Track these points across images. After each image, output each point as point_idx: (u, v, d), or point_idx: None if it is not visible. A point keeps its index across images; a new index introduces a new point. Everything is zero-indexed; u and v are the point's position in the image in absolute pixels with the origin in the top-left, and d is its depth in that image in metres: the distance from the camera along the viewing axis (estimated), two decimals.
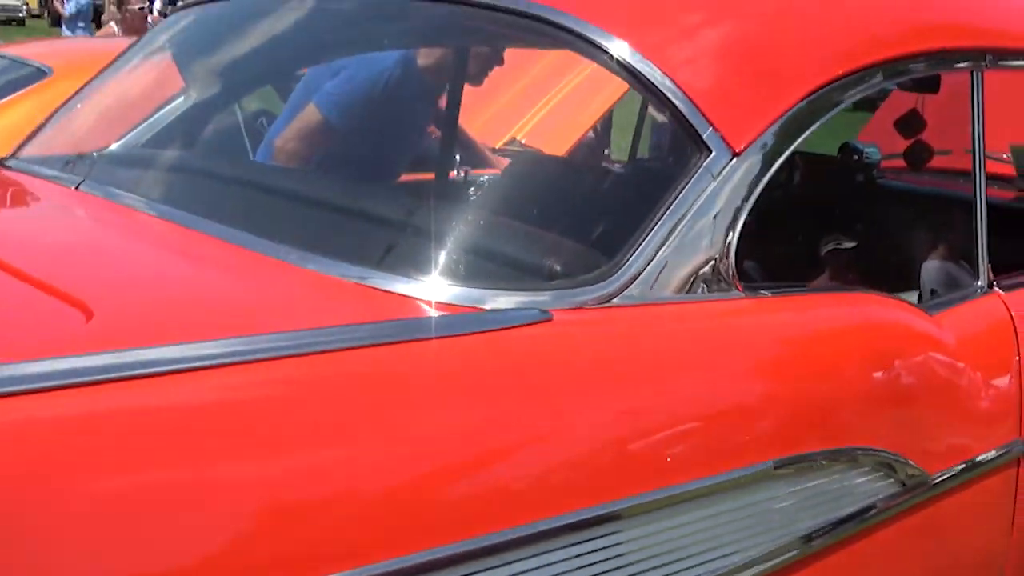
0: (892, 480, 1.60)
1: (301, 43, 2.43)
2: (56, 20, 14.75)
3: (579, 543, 1.21)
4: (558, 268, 1.47)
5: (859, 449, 1.54)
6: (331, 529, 1.04)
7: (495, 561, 1.13)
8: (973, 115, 1.92)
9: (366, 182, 2.06)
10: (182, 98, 2.27)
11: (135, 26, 5.98)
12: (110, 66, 2.37)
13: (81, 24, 15.25)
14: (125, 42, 6.72)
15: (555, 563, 1.17)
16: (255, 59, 2.36)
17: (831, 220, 2.30)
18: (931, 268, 2.11)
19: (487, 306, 1.34)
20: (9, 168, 2.09)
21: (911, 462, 1.62)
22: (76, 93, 2.38)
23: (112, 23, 6.33)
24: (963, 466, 1.72)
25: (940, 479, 1.67)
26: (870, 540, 1.60)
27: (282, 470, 1.05)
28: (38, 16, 33.23)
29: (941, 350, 1.72)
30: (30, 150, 2.18)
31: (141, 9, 6.15)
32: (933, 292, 1.97)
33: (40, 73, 4.10)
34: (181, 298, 1.34)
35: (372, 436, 1.13)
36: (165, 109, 2.22)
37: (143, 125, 2.14)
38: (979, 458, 1.75)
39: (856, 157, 2.94)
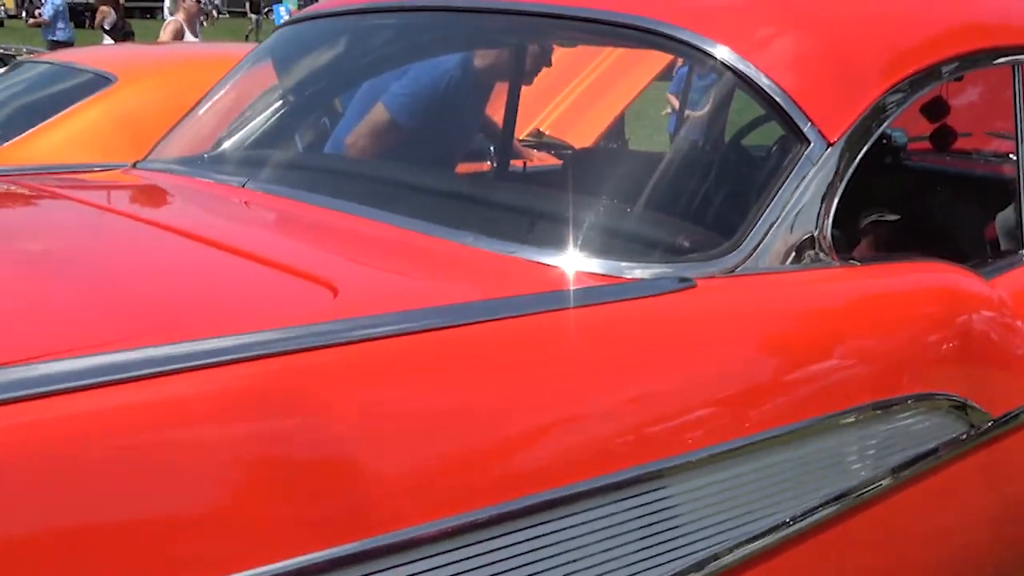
0: (962, 421, 1.89)
1: (388, 52, 2.71)
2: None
3: (727, 469, 1.49)
4: (686, 244, 1.75)
5: (936, 394, 1.83)
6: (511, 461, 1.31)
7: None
8: (1016, 105, 2.21)
9: (497, 171, 2.35)
10: (302, 102, 2.57)
11: (193, 16, 6.48)
12: (229, 76, 2.64)
13: (61, 26, 15.41)
14: (183, 47, 6.99)
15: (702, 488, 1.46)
16: (357, 67, 2.65)
17: (899, 199, 2.60)
18: (983, 239, 2.40)
19: (627, 276, 1.63)
20: (155, 169, 2.36)
21: (978, 405, 1.91)
22: (200, 101, 2.64)
23: (177, 16, 6.76)
24: (1020, 410, 2.01)
25: (1002, 420, 1.96)
26: (945, 474, 1.89)
27: (484, 408, 1.32)
28: (15, 17, 33.35)
29: (997, 309, 2.01)
30: (168, 152, 2.44)
31: (197, 1, 6.56)
32: (986, 260, 2.26)
33: (104, 80, 4.35)
34: (396, 272, 1.62)
35: (558, 377, 1.40)
36: (292, 112, 2.51)
37: (276, 127, 2.42)
38: (996, 412, 2.03)
39: (885, 141, 3.23)
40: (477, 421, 1.30)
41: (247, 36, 28.73)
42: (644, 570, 1.38)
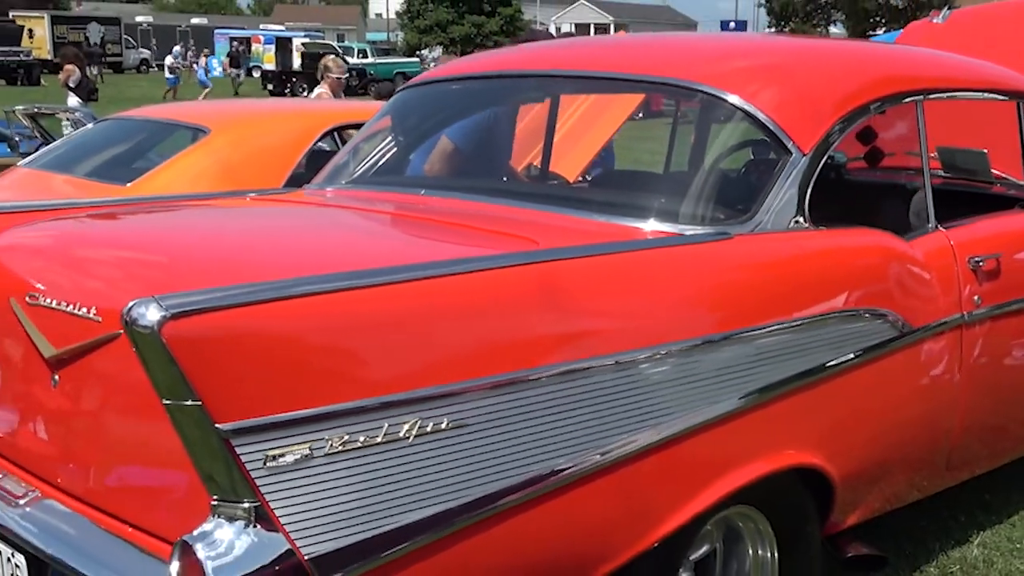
0: (895, 328, 3.06)
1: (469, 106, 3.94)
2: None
3: (747, 343, 2.65)
4: (722, 216, 2.93)
5: (879, 309, 3.01)
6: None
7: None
8: (919, 130, 3.44)
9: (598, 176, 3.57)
10: (424, 138, 3.78)
11: (336, 88, 7.88)
12: (373, 122, 3.81)
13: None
14: (235, 102, 8.30)
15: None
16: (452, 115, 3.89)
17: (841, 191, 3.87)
18: (905, 217, 3.61)
19: (689, 232, 2.81)
20: (333, 187, 3.52)
21: (903, 318, 3.09)
22: (353, 141, 3.80)
23: (323, 86, 7.98)
24: (930, 324, 3.20)
25: (920, 329, 3.14)
26: (885, 361, 3.06)
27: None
28: None
29: (912, 259, 3.21)
30: (343, 177, 3.60)
31: (338, 79, 7.81)
32: (905, 228, 3.45)
33: (200, 132, 5.47)
34: (561, 232, 2.79)
35: (660, 283, 2.57)
36: (421, 145, 3.71)
37: (415, 157, 3.61)
38: (937, 320, 3.22)
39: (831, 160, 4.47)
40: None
41: (236, 92, 29.72)
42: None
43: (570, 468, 2.28)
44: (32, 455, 2.63)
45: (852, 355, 2.92)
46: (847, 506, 3.06)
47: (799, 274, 2.89)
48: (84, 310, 2.39)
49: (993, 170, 4.14)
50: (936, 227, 3.40)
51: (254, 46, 51.97)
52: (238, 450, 1.86)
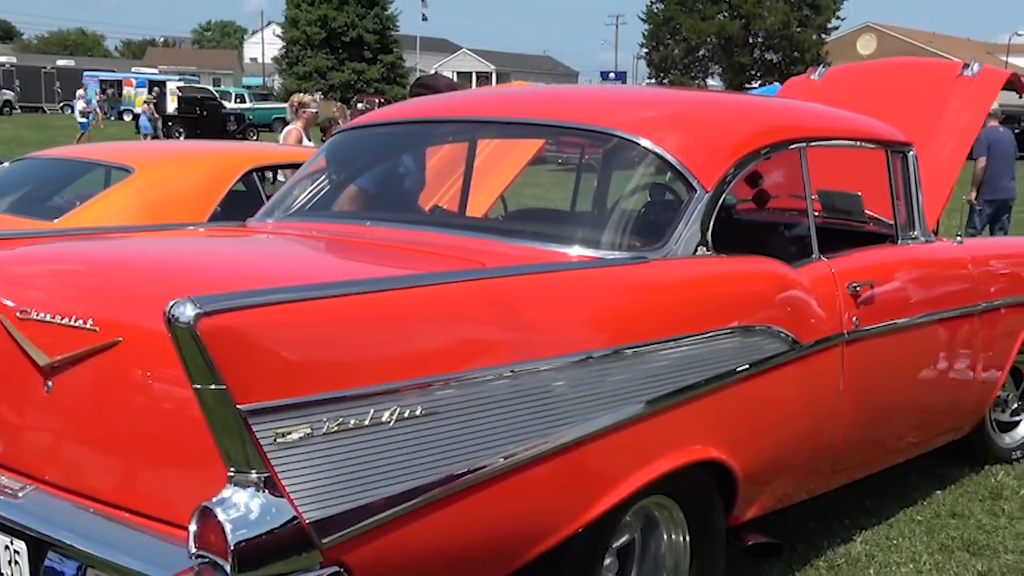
0: (782, 342, 3.58)
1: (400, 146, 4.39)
2: None
3: (672, 351, 3.14)
4: (638, 244, 3.42)
5: (772, 326, 3.52)
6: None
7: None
8: (803, 173, 4.00)
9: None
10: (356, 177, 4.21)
11: (310, 123, 8.47)
12: (310, 163, 4.23)
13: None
14: (154, 143, 8.75)
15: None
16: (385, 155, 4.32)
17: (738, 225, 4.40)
18: (790, 248, 4.16)
19: (611, 256, 3.30)
20: (281, 220, 3.91)
21: (792, 334, 3.61)
22: (293, 179, 4.21)
23: (296, 123, 8.54)
24: (815, 340, 3.73)
25: (809, 344, 3.67)
26: (775, 374, 3.57)
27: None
28: None
29: (798, 284, 3.74)
30: (287, 210, 3.99)
31: (315, 114, 8.33)
32: (793, 257, 3.99)
33: (123, 172, 5.78)
34: (502, 255, 3.24)
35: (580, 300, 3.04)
36: (357, 182, 4.14)
37: (360, 193, 4.03)
38: (821, 337, 3.75)
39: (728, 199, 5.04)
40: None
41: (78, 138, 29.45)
42: None
43: (517, 455, 2.71)
44: (26, 457, 2.96)
45: (750, 365, 3.42)
46: (747, 499, 3.55)
47: (705, 294, 3.40)
48: (80, 322, 2.76)
49: (866, 211, 4.75)
50: (819, 257, 3.95)
51: (126, 89, 51.62)
52: (253, 427, 2.25)
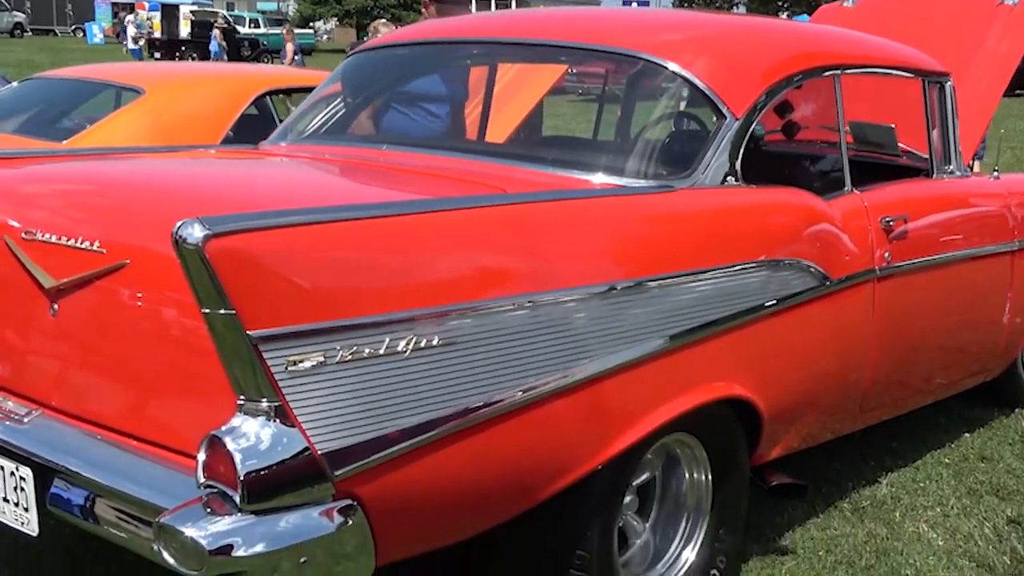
0: (811, 277, 3.49)
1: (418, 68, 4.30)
2: None
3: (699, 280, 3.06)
4: (664, 172, 3.34)
5: (801, 260, 3.44)
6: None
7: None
8: (837, 102, 3.89)
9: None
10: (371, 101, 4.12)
11: None
12: (324, 85, 4.14)
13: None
14: (166, 64, 8.66)
15: None
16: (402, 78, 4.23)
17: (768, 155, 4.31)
18: (823, 180, 4.07)
19: (635, 185, 3.21)
20: (294, 143, 3.84)
21: (823, 269, 3.53)
22: (306, 102, 4.12)
23: None
24: (845, 276, 3.65)
25: (839, 280, 3.59)
26: (805, 309, 3.49)
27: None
28: None
29: (830, 218, 3.65)
30: (301, 134, 3.91)
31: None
32: (824, 190, 3.90)
33: (134, 92, 5.70)
34: (522, 181, 3.16)
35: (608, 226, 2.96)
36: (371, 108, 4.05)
37: (376, 116, 3.94)
38: (852, 273, 3.67)
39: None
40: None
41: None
42: None
43: (536, 388, 2.64)
44: (32, 381, 2.92)
45: (778, 300, 3.34)
46: (772, 439, 3.49)
47: (733, 225, 3.31)
48: (86, 243, 2.69)
49: (900, 144, 4.64)
50: (852, 190, 3.85)
51: (138, 12, 51.24)
52: (264, 355, 2.19)
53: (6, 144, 5.56)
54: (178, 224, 2.12)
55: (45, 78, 6.46)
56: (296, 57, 23.86)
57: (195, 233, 2.10)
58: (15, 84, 6.64)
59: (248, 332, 2.17)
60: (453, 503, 2.60)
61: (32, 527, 2.76)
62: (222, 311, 2.16)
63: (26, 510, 2.75)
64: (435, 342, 2.42)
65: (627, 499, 3.10)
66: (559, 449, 2.81)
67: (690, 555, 3.30)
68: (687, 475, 3.29)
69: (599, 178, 3.27)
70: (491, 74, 4.42)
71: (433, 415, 2.43)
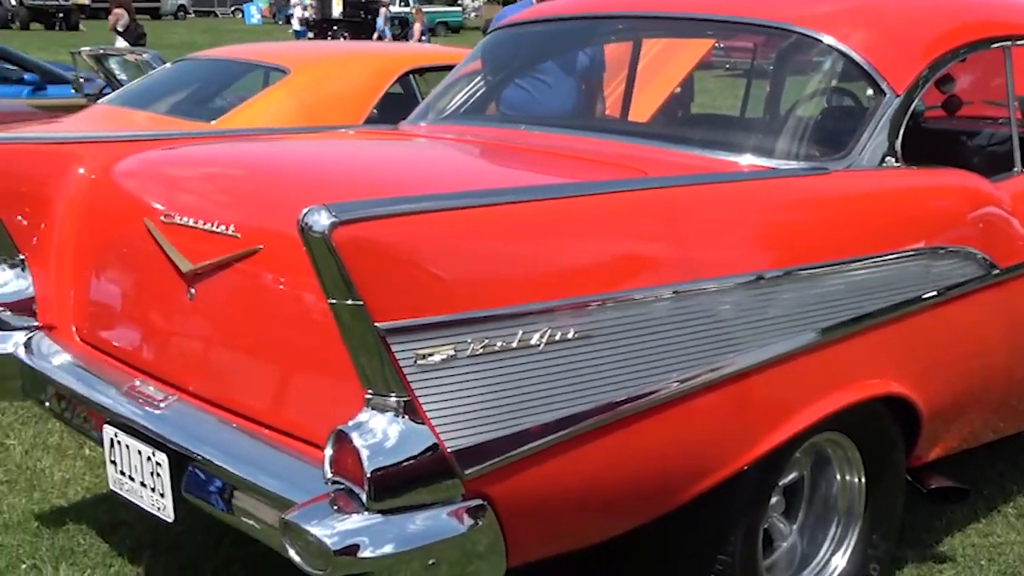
0: (976, 266, 3.26)
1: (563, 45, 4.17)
2: None
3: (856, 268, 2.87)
4: (817, 153, 3.15)
5: (965, 247, 3.21)
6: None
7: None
8: (1007, 76, 3.62)
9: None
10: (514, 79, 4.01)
11: None
12: (464, 63, 4.05)
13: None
14: (311, 44, 8.77)
15: None
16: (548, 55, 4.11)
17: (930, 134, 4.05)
18: (990, 161, 3.81)
19: (786, 167, 3.03)
20: (433, 123, 3.76)
21: (990, 257, 3.29)
22: (446, 81, 4.04)
23: None
24: (1014, 264, 3.40)
25: (1007, 269, 3.34)
26: (970, 299, 3.26)
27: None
28: None
29: (998, 201, 3.40)
30: (440, 113, 3.84)
31: None
32: (992, 171, 3.64)
33: (280, 72, 5.72)
34: (665, 163, 3.02)
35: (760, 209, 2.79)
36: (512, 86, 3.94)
37: (516, 95, 3.84)
38: (1020, 262, 3.41)
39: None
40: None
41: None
42: None
43: (681, 383, 2.50)
44: (170, 365, 2.91)
45: (941, 291, 3.12)
46: (931, 439, 3.28)
47: (892, 210, 3.10)
48: (222, 227, 2.66)
49: None
50: (1021, 171, 3.59)
51: None
52: (392, 348, 2.11)
53: (158, 125, 5.66)
54: (304, 211, 2.05)
55: (196, 59, 6.56)
56: (423, 37, 23.85)
57: (321, 220, 2.03)
58: (168, 65, 6.76)
59: (376, 324, 2.09)
60: (590, 505, 2.49)
61: (168, 512, 2.76)
62: (349, 302, 2.08)
63: (162, 495, 2.75)
64: (571, 335, 2.30)
65: (774, 500, 2.95)
66: (703, 447, 2.67)
67: (840, 561, 3.13)
68: (838, 476, 3.11)
69: (747, 159, 3.10)
70: (635, 50, 4.27)
71: (568, 412, 2.31)
